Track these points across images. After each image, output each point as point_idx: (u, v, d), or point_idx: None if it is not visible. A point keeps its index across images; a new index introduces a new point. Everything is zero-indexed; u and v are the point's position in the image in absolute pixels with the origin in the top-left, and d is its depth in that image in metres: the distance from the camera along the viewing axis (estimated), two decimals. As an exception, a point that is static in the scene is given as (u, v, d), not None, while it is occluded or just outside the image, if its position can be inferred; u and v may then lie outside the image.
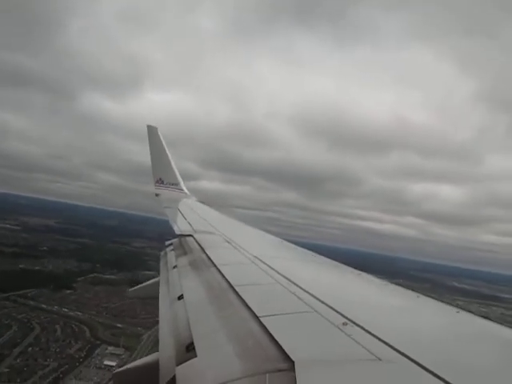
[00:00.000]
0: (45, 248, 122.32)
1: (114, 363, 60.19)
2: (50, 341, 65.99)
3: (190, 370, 2.09)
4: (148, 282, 5.58)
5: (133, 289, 5.98)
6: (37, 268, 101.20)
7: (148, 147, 12.20)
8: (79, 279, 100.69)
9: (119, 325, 77.58)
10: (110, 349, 66.12)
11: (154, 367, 2.48)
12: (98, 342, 68.61)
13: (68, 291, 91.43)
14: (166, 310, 3.29)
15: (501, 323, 2.90)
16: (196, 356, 2.19)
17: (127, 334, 72.85)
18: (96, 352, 64.60)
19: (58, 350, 63.00)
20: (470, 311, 3.17)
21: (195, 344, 2.32)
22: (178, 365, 2.18)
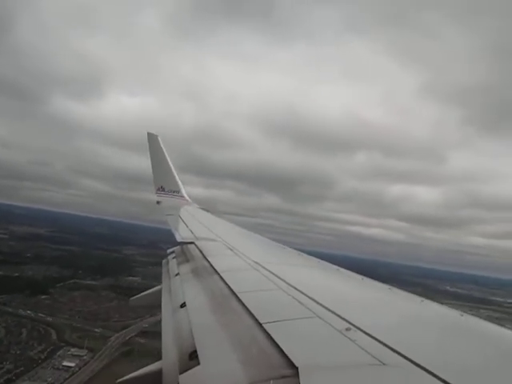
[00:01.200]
0: (28, 255, 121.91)
1: (73, 364, 60.28)
2: (11, 343, 65.34)
3: (194, 379, 2.10)
4: (150, 291, 5.56)
5: (134, 297, 5.93)
6: (16, 274, 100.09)
7: (147, 154, 12.20)
8: (58, 285, 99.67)
9: (88, 328, 77.21)
10: (73, 350, 65.51)
11: (157, 376, 2.49)
12: (63, 344, 68.17)
13: (43, 296, 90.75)
14: (168, 318, 3.31)
15: (506, 327, 2.90)
16: (199, 364, 2.19)
17: (95, 337, 72.64)
18: (58, 354, 64.06)
19: (18, 352, 62.32)
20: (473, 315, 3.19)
21: (198, 352, 2.32)
22: (181, 373, 2.19)
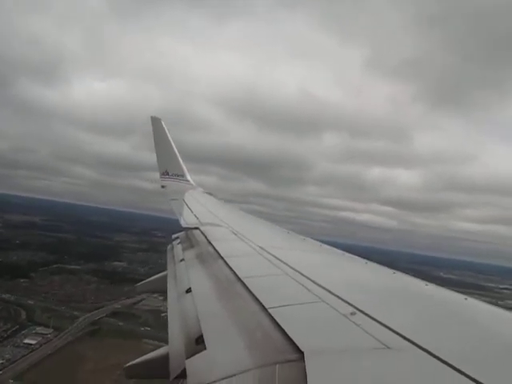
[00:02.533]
0: (17, 242, 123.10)
1: (34, 341, 61.81)
2: (-23, 323, 66.43)
3: (200, 363, 2.12)
4: (155, 276, 5.54)
5: (140, 283, 5.93)
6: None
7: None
8: (40, 269, 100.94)
9: (60, 308, 78.66)
10: (38, 329, 67.05)
11: (163, 360, 2.53)
12: (30, 324, 69.57)
13: (22, 280, 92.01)
14: (174, 303, 3.32)
15: (508, 309, 2.92)
16: (205, 349, 2.22)
17: (65, 317, 74.17)
18: (22, 332, 65.38)
19: (-19, 330, 63.59)
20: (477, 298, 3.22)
21: (204, 337, 2.35)
22: (187, 358, 2.21)
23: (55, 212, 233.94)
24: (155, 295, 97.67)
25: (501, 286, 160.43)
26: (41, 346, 61.32)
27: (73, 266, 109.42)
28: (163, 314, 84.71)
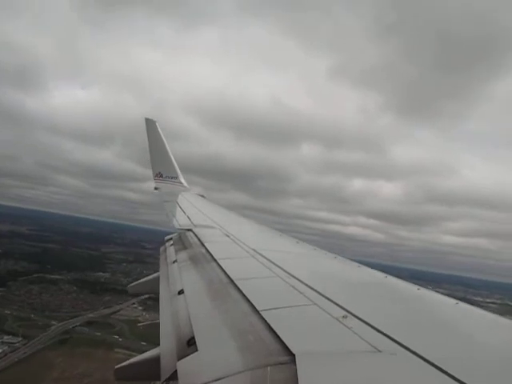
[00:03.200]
0: (0, 251, 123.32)
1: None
2: None
3: (191, 365, 2.12)
4: (147, 278, 5.57)
5: (132, 284, 5.94)
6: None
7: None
8: (20, 279, 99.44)
9: (33, 317, 77.94)
10: (6, 338, 66.13)
11: (155, 362, 2.52)
12: (-2, 333, 69.03)
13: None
14: (166, 305, 3.32)
15: (499, 314, 2.97)
16: (197, 350, 2.22)
17: (37, 326, 73.45)
18: (-12, 341, 64.69)
19: None
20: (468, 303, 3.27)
21: (196, 338, 2.35)
22: (179, 359, 2.21)
23: (43, 222, 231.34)
24: (135, 305, 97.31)
25: (487, 300, 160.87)
26: (6, 354, 60.36)
27: (54, 276, 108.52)
28: (140, 324, 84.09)
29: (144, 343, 66.51)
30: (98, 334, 74.60)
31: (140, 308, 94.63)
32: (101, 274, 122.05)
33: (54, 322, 76.07)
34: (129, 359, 3.12)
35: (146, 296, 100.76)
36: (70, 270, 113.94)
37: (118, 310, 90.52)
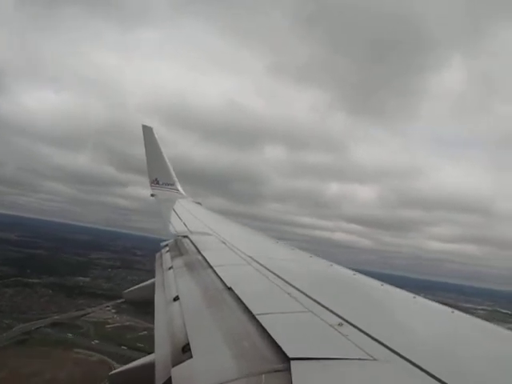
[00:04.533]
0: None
1: None
2: None
3: (186, 371, 2.12)
4: (143, 284, 5.58)
5: (128, 290, 5.94)
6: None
7: (143, 147, 12.25)
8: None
9: (-2, 319, 77.40)
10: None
11: (149, 368, 2.52)
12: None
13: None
14: (161, 311, 3.32)
15: (495, 323, 3.02)
16: (192, 357, 2.21)
17: (0, 327, 72.65)
18: None
19: None
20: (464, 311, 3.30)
21: (191, 345, 2.35)
22: (173, 366, 2.21)
23: (35, 230, 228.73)
24: (108, 308, 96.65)
25: (478, 307, 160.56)
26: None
27: (31, 280, 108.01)
28: (108, 326, 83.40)
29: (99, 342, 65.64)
30: (62, 335, 74.27)
31: (113, 311, 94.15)
32: (81, 278, 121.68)
33: (17, 323, 75.52)
34: (124, 365, 3.15)
35: (123, 300, 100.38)
36: (51, 274, 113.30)
37: (89, 313, 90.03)
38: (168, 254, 5.57)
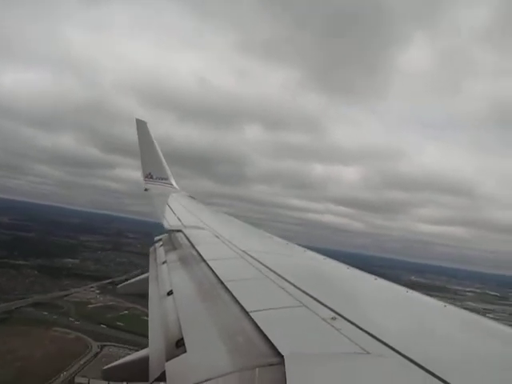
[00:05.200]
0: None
1: None
2: None
3: (180, 366, 2.11)
4: (137, 278, 5.56)
5: (121, 285, 6.01)
6: None
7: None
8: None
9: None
10: None
11: (143, 363, 2.50)
12: None
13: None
14: (155, 305, 3.30)
15: (487, 317, 3.08)
16: (186, 351, 2.21)
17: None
18: None
19: None
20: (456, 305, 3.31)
21: (185, 340, 2.34)
22: (167, 360, 2.20)
23: (27, 213, 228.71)
24: (93, 289, 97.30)
25: (467, 289, 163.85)
26: None
27: (19, 262, 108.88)
28: (90, 306, 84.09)
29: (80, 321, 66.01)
30: (41, 314, 75.21)
31: (97, 291, 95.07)
32: (70, 260, 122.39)
33: None
34: (117, 360, 3.08)
35: (109, 280, 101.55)
36: (38, 256, 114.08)
37: (72, 293, 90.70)
38: (162, 248, 5.56)
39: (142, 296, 4.45)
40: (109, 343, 67.35)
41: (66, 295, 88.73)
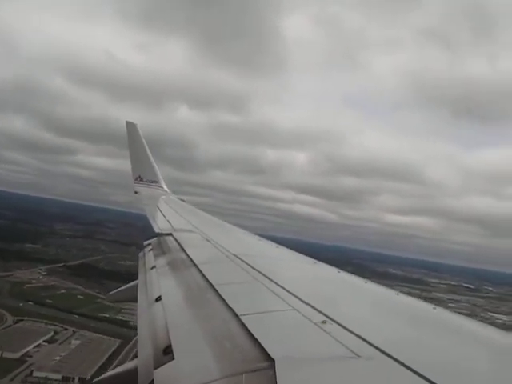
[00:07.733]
0: None
1: None
2: None
3: (168, 374, 2.08)
4: (127, 285, 5.45)
5: (111, 293, 5.94)
6: None
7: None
8: None
9: None
10: None
11: (133, 373, 2.47)
12: None
13: None
14: (143, 312, 3.24)
15: (476, 320, 3.07)
16: (173, 359, 2.17)
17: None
18: None
19: None
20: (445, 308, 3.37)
21: (173, 347, 2.30)
22: (155, 368, 2.17)
23: (6, 202, 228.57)
24: (40, 271, 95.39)
25: (442, 282, 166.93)
26: None
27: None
28: (28, 285, 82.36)
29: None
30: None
31: (44, 273, 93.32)
32: (30, 245, 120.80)
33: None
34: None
35: (61, 264, 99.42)
36: (4, 242, 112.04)
37: (13, 274, 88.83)
38: (151, 252, 5.45)
39: (131, 301, 4.40)
40: (26, 318, 68.41)
41: (6, 275, 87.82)
